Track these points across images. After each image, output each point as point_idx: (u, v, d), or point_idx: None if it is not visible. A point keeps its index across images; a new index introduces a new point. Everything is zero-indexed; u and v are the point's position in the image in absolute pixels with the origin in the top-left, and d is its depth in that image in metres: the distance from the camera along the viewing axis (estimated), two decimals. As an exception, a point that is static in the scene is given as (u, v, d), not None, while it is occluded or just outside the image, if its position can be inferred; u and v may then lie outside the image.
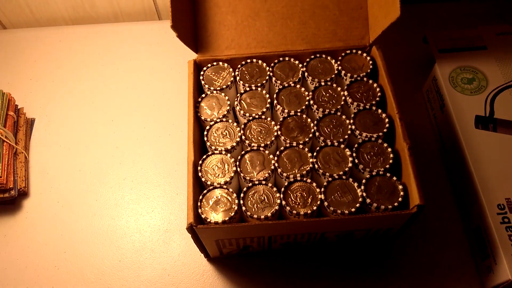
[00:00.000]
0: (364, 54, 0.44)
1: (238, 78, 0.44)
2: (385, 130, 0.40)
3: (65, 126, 0.55)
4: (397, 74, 0.43)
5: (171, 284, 0.44)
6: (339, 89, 0.43)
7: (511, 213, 0.40)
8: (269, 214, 0.36)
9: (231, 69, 0.45)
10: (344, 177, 0.38)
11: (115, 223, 0.48)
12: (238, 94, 0.43)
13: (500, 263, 0.39)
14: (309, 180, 0.38)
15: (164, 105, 0.56)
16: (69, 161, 0.52)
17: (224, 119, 0.42)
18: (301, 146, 0.40)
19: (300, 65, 0.44)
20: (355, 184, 0.37)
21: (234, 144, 0.40)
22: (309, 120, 0.41)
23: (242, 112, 0.42)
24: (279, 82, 0.43)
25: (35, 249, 0.46)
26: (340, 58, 0.44)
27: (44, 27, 0.65)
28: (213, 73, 0.45)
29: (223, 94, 0.43)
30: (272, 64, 0.45)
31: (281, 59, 0.45)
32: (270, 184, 0.38)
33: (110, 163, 0.52)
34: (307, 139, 0.40)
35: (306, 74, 0.44)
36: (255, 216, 0.37)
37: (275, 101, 0.42)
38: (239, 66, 0.45)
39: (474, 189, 0.42)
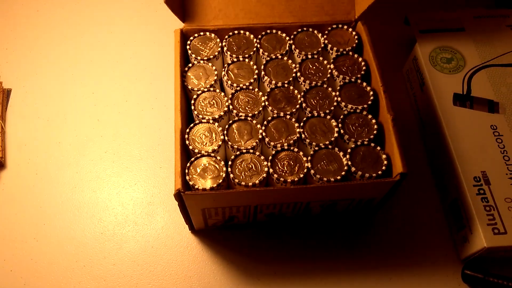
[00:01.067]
0: (350, 29, 0.45)
1: (225, 48, 0.44)
2: (369, 102, 0.41)
3: (43, 98, 0.53)
4: (379, 54, 0.44)
5: (155, 256, 0.44)
6: (325, 62, 0.43)
7: (486, 185, 0.42)
8: (257, 181, 0.37)
9: (218, 40, 0.44)
10: (330, 146, 0.39)
11: (96, 196, 0.47)
12: (226, 65, 0.43)
13: (476, 232, 0.40)
14: (296, 149, 0.38)
15: (147, 78, 0.55)
16: (48, 133, 0.50)
17: (211, 89, 0.42)
18: (288, 117, 0.40)
19: (287, 38, 0.45)
20: (341, 153, 0.38)
21: (222, 113, 0.40)
22: (296, 91, 0.41)
23: (229, 82, 0.42)
24: (266, 54, 0.44)
25: (13, 221, 0.45)
26: (326, 32, 0.45)
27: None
28: (200, 43, 0.44)
29: (210, 64, 0.43)
30: (259, 36, 0.45)
31: (268, 31, 0.45)
32: (257, 153, 0.38)
33: (90, 136, 0.51)
34: (294, 110, 0.40)
35: (293, 47, 0.44)
36: (243, 183, 0.37)
37: (263, 72, 0.43)
38: (226, 37, 0.44)
39: (451, 162, 0.44)
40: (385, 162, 0.38)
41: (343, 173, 0.37)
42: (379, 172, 0.37)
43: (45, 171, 0.48)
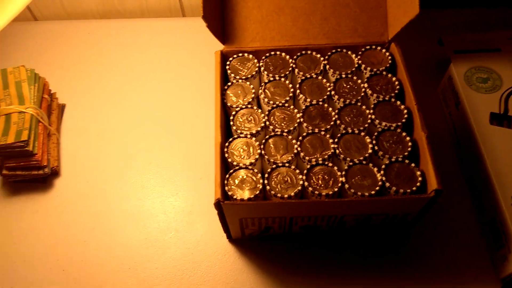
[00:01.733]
0: (383, 50, 0.47)
1: (262, 68, 0.46)
2: (403, 120, 0.42)
3: (94, 113, 0.57)
4: (413, 75, 0.45)
5: (194, 262, 0.46)
6: (359, 81, 0.45)
7: (523, 204, 0.42)
8: (292, 194, 0.39)
9: (255, 60, 0.47)
10: (364, 162, 0.40)
11: (141, 204, 0.50)
12: (263, 83, 0.46)
13: (512, 250, 0.40)
14: (330, 164, 0.40)
15: (190, 96, 0.58)
16: (98, 145, 0.55)
17: (249, 106, 0.44)
18: (322, 133, 0.42)
19: (322, 58, 0.47)
20: (375, 169, 0.40)
21: (259, 128, 0.43)
22: (330, 109, 0.43)
23: (266, 100, 0.44)
24: (301, 73, 0.46)
25: (65, 225, 0.49)
26: (360, 53, 0.47)
27: (74, 20, 0.68)
28: (238, 63, 0.47)
29: (248, 82, 0.46)
30: (295, 57, 0.47)
31: (303, 52, 0.47)
32: (293, 167, 0.40)
33: (137, 149, 0.54)
34: (328, 127, 0.42)
35: (327, 67, 0.46)
36: (279, 195, 0.39)
37: (298, 91, 0.45)
38: (263, 57, 0.47)
39: (488, 181, 0.44)
40: (420, 178, 0.39)
41: (377, 188, 0.38)
42: (414, 188, 0.38)
43: (95, 180, 0.52)
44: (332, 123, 0.42)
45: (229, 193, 0.39)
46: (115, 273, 0.46)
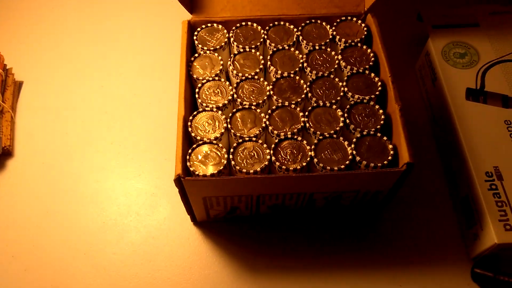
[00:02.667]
0: (359, 21, 0.44)
1: (232, 39, 0.44)
2: (377, 93, 0.40)
3: (53, 90, 0.54)
4: (391, 51, 0.43)
5: (155, 247, 0.43)
6: (333, 53, 0.43)
7: (499, 181, 0.40)
8: (258, 169, 0.36)
9: (225, 31, 0.44)
10: (334, 136, 0.38)
11: (100, 186, 0.47)
12: (232, 55, 0.43)
13: (487, 228, 0.39)
14: (299, 138, 0.38)
15: (156, 72, 0.55)
16: (56, 124, 0.51)
17: (216, 78, 0.41)
18: (293, 106, 0.39)
19: (295, 30, 0.44)
20: (346, 143, 0.37)
21: (226, 102, 0.40)
22: (302, 81, 0.41)
23: (235, 72, 0.42)
24: (273, 45, 0.43)
25: (18, 208, 0.45)
26: (335, 24, 0.44)
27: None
28: (207, 34, 0.44)
29: (216, 54, 0.43)
30: (267, 28, 0.44)
31: (276, 23, 0.45)
32: (260, 141, 0.38)
33: (97, 128, 0.51)
34: (299, 100, 0.40)
35: (300, 38, 0.44)
36: (244, 170, 0.36)
37: (269, 63, 0.42)
38: (233, 28, 0.44)
39: (463, 158, 0.42)
40: (392, 152, 0.37)
41: (347, 162, 0.36)
42: (385, 162, 0.36)
43: (52, 160, 0.48)
44: (303, 96, 0.40)
45: (191, 168, 0.36)
46: (69, 259, 0.42)
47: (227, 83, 0.41)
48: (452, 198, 0.45)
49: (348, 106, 0.39)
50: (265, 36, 0.44)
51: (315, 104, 0.40)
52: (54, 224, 0.44)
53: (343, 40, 0.43)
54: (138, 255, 0.43)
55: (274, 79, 0.41)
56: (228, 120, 0.39)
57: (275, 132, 0.38)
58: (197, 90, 0.41)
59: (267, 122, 0.38)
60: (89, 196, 0.46)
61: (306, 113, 0.39)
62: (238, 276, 0.41)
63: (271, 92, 0.40)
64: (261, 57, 0.43)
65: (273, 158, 0.37)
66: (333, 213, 0.43)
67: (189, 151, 0.37)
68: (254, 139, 0.38)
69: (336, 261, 0.42)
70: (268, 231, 0.44)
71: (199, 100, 0.40)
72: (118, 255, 0.43)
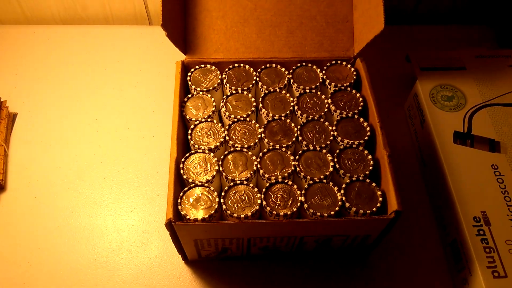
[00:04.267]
0: (349, 66, 0.46)
1: (225, 81, 0.45)
2: (366, 138, 0.41)
3: (47, 123, 0.54)
4: (380, 91, 0.44)
5: (146, 286, 0.43)
6: (323, 97, 0.44)
7: (486, 226, 0.41)
8: (249, 214, 0.36)
9: (218, 72, 0.45)
10: (324, 181, 0.38)
11: (92, 222, 0.47)
12: (224, 96, 0.44)
13: (475, 275, 0.39)
14: (290, 182, 0.38)
15: (150, 107, 0.56)
16: (49, 157, 0.51)
17: (209, 119, 0.42)
18: (284, 149, 0.40)
19: (286, 72, 0.45)
20: (335, 188, 0.38)
21: (218, 144, 0.41)
22: (293, 124, 0.42)
23: (227, 113, 0.42)
24: (265, 87, 0.44)
25: (8, 244, 0.45)
26: (325, 68, 0.46)
27: (33, 25, 0.65)
28: (200, 75, 0.45)
29: (209, 95, 0.44)
30: (259, 70, 0.46)
31: (268, 65, 0.46)
32: (251, 185, 0.38)
33: (91, 162, 0.51)
34: (290, 143, 0.41)
35: (291, 81, 0.45)
36: (235, 215, 0.36)
37: (260, 105, 0.43)
38: (226, 69, 0.45)
39: (451, 201, 0.43)
40: (380, 199, 0.37)
41: (337, 208, 0.37)
42: (374, 209, 0.37)
43: (44, 195, 0.48)
44: (294, 139, 0.41)
45: (182, 212, 0.37)
46: (59, 298, 0.42)
47: (219, 124, 0.42)
48: (442, 241, 0.46)
49: (337, 151, 0.40)
50: (257, 78, 0.45)
51: (305, 148, 0.40)
52: (45, 261, 0.44)
53: (333, 84, 0.44)
54: (128, 295, 0.43)
55: (265, 121, 0.42)
56: (220, 162, 0.39)
57: (266, 175, 0.39)
58: (189, 131, 0.41)
59: (258, 166, 0.39)
60: (81, 232, 0.46)
61: (297, 157, 0.40)
62: (228, 318, 0.41)
63: (263, 135, 0.41)
64: (253, 99, 0.44)
65: (264, 202, 0.37)
66: (324, 254, 0.44)
67: (181, 194, 0.38)
68: (245, 182, 0.38)
69: (325, 303, 0.42)
70: (259, 271, 0.44)
71: (192, 142, 0.41)
72: (107, 295, 0.43)
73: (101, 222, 0.47)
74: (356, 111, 0.42)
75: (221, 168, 0.39)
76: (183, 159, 0.40)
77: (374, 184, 0.38)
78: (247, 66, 0.46)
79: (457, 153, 0.46)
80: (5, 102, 0.54)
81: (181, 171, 0.39)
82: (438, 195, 0.46)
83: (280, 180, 0.38)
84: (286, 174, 0.39)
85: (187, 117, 0.42)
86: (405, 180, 0.49)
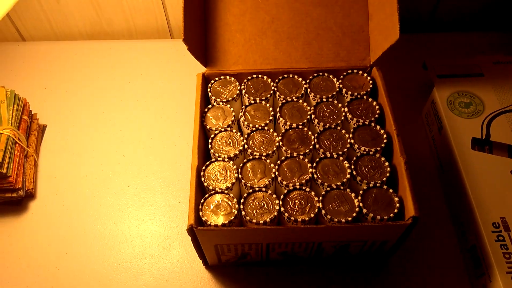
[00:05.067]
0: (365, 74, 0.47)
1: (243, 91, 0.46)
2: (382, 145, 0.41)
3: (75, 134, 0.57)
4: (398, 99, 0.44)
5: (168, 290, 0.45)
6: (339, 105, 0.45)
7: (506, 232, 0.41)
8: (268, 220, 0.37)
9: (237, 83, 0.47)
10: (342, 187, 0.39)
11: (117, 228, 0.49)
12: (243, 106, 0.45)
13: (495, 280, 0.39)
14: (308, 189, 0.39)
15: (172, 117, 0.58)
16: (76, 166, 0.54)
17: (228, 129, 0.44)
18: (301, 157, 0.41)
19: (303, 82, 0.47)
20: (352, 195, 0.39)
21: (237, 152, 0.42)
22: (310, 132, 0.43)
23: (246, 123, 0.44)
24: (282, 96, 0.45)
25: (38, 249, 0.47)
26: (341, 77, 0.47)
27: (62, 41, 0.68)
28: (220, 86, 0.47)
29: (228, 105, 0.45)
30: (276, 80, 0.47)
31: (285, 75, 0.47)
32: (270, 191, 0.39)
33: (115, 170, 0.53)
34: (307, 151, 0.41)
35: (308, 90, 0.46)
36: (254, 220, 0.38)
37: (278, 114, 0.44)
38: (245, 80, 0.47)
39: (470, 208, 0.43)
40: (398, 205, 0.38)
41: (354, 214, 0.37)
42: (391, 215, 0.37)
43: (71, 202, 0.51)
44: (311, 147, 0.42)
45: (203, 218, 0.38)
46: (86, 301, 0.44)
47: (239, 134, 0.43)
48: (461, 247, 0.46)
49: (354, 158, 0.41)
50: (275, 88, 0.46)
51: (322, 155, 0.41)
52: (72, 265, 0.46)
53: (350, 92, 0.45)
54: (151, 299, 0.44)
55: (283, 130, 0.43)
56: (239, 170, 0.41)
57: (284, 182, 0.40)
58: (210, 140, 0.43)
59: (276, 173, 0.40)
60: (106, 237, 0.48)
61: (314, 164, 0.41)
62: (248, 322, 0.42)
63: (280, 143, 0.42)
64: (271, 108, 0.45)
65: (282, 209, 0.38)
66: (342, 260, 0.44)
67: (202, 200, 0.39)
68: (264, 189, 0.39)
69: (344, 309, 0.43)
70: (278, 275, 0.45)
71: (212, 150, 0.42)
72: (132, 298, 0.44)
73: (125, 228, 0.49)
74: (372, 118, 0.43)
75: (240, 176, 0.40)
76: (203, 167, 0.41)
77: (391, 191, 0.39)
78: (265, 77, 0.47)
79: (475, 159, 0.46)
80: (35, 114, 0.57)
81: (202, 179, 0.40)
82: (456, 201, 0.46)
83: (297, 187, 0.39)
84: (304, 181, 0.40)
85: (208, 126, 0.44)
86: (423, 186, 0.50)
